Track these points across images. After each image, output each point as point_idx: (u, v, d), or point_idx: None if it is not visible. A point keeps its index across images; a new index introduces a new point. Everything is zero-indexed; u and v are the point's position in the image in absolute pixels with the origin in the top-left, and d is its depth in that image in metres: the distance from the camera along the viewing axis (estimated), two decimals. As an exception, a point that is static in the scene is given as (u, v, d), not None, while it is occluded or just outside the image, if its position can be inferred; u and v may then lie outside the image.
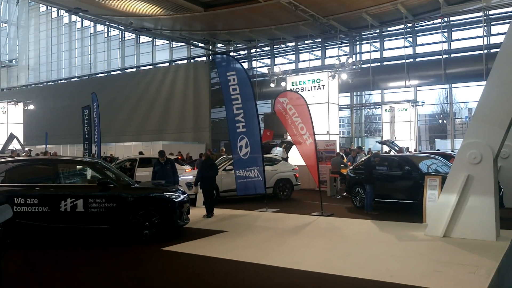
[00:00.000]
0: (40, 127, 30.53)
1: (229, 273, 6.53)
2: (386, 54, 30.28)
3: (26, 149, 22.43)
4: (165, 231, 8.55)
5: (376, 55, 30.44)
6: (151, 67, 36.48)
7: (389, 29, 29.85)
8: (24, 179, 8.65)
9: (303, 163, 13.36)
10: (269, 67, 28.05)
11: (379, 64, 29.39)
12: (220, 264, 7.00)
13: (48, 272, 6.67)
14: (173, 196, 8.80)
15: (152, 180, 11.52)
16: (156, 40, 36.92)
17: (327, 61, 30.93)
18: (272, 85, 23.66)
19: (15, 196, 8.15)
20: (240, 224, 10.55)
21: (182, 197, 8.98)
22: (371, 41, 29.92)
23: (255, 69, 34.49)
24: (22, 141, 25.85)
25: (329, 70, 20.59)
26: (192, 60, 35.16)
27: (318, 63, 31.69)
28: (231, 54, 27.87)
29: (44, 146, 23.93)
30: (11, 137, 24.71)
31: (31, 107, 29.90)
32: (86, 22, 40.17)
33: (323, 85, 20.22)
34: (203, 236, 9.08)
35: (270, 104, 32.44)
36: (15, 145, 24.42)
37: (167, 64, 36.13)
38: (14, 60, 46.65)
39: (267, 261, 6.99)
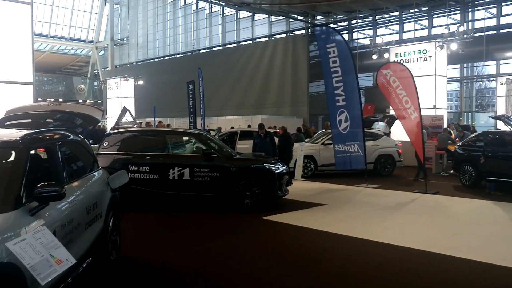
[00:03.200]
0: (149, 101, 32.51)
1: (328, 246, 6.52)
2: (504, 20, 27.47)
3: (137, 121, 24.06)
4: (264, 201, 8.77)
5: (492, 22, 27.74)
6: (250, 42, 36.94)
7: (508, -8, 27.01)
8: (137, 148, 9.36)
9: (407, 139, 12.79)
10: (371, 38, 26.96)
11: (495, 32, 26.78)
12: (320, 236, 7.02)
13: (157, 233, 7.19)
14: (273, 168, 8.99)
15: (253, 152, 11.82)
16: (255, 14, 37.19)
17: (434, 31, 28.87)
18: (374, 56, 22.77)
19: (130, 163, 8.85)
20: (339, 198, 10.46)
21: (281, 169, 9.13)
22: (486, 7, 27.31)
23: (356, 40, 33.34)
24: (133, 114, 27.77)
25: (436, 40, 19.30)
26: (290, 34, 34.94)
27: (424, 33, 29.74)
28: (331, 26, 27.24)
29: (152, 119, 25.46)
30: (124, 111, 26.64)
31: (141, 82, 31.92)
32: (189, 0, 41.66)
33: (429, 56, 19.04)
34: (302, 208, 9.16)
35: (371, 77, 31.32)
36: (127, 118, 26.33)
37: (266, 38, 36.32)
38: (125, 39, 50.08)
39: (368, 236, 6.87)
